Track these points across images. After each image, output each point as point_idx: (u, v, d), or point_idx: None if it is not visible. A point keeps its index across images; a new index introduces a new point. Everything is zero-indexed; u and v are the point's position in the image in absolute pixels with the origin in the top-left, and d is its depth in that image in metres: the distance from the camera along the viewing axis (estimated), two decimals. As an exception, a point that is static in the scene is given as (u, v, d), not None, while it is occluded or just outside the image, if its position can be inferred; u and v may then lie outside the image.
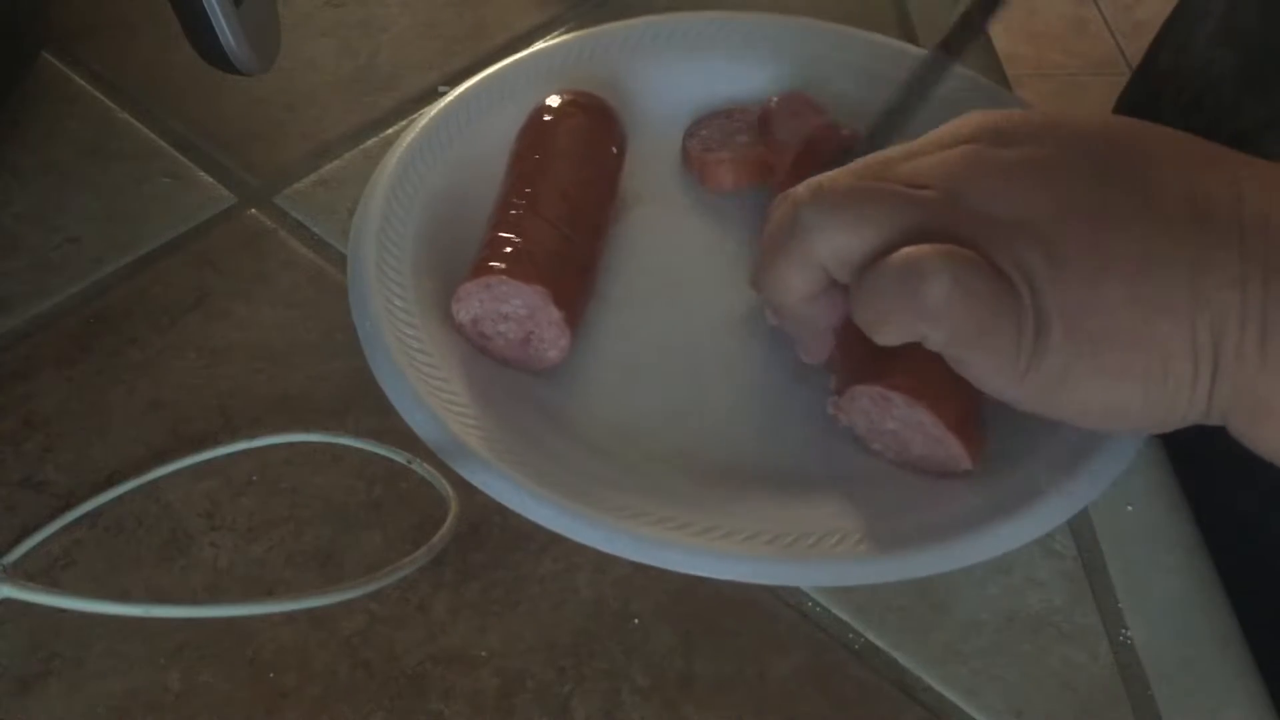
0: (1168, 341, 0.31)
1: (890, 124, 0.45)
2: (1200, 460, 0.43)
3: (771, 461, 0.41)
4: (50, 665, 0.36)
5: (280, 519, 0.40)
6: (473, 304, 0.41)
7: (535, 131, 0.46)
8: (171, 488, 0.41)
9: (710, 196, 0.50)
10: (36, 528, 0.39)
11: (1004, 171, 0.33)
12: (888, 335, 0.34)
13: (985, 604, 0.39)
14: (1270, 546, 0.48)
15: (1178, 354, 0.31)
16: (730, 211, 0.49)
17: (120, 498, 0.40)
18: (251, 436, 0.41)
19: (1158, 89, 0.56)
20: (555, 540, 0.38)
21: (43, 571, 0.38)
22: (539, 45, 0.53)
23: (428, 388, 0.39)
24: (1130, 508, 0.42)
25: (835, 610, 0.39)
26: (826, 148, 0.46)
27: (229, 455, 0.41)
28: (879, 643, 0.38)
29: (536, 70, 0.51)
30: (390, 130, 0.54)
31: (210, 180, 0.51)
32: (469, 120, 0.49)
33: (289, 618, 0.37)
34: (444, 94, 0.50)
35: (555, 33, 0.60)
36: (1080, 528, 0.41)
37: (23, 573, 0.38)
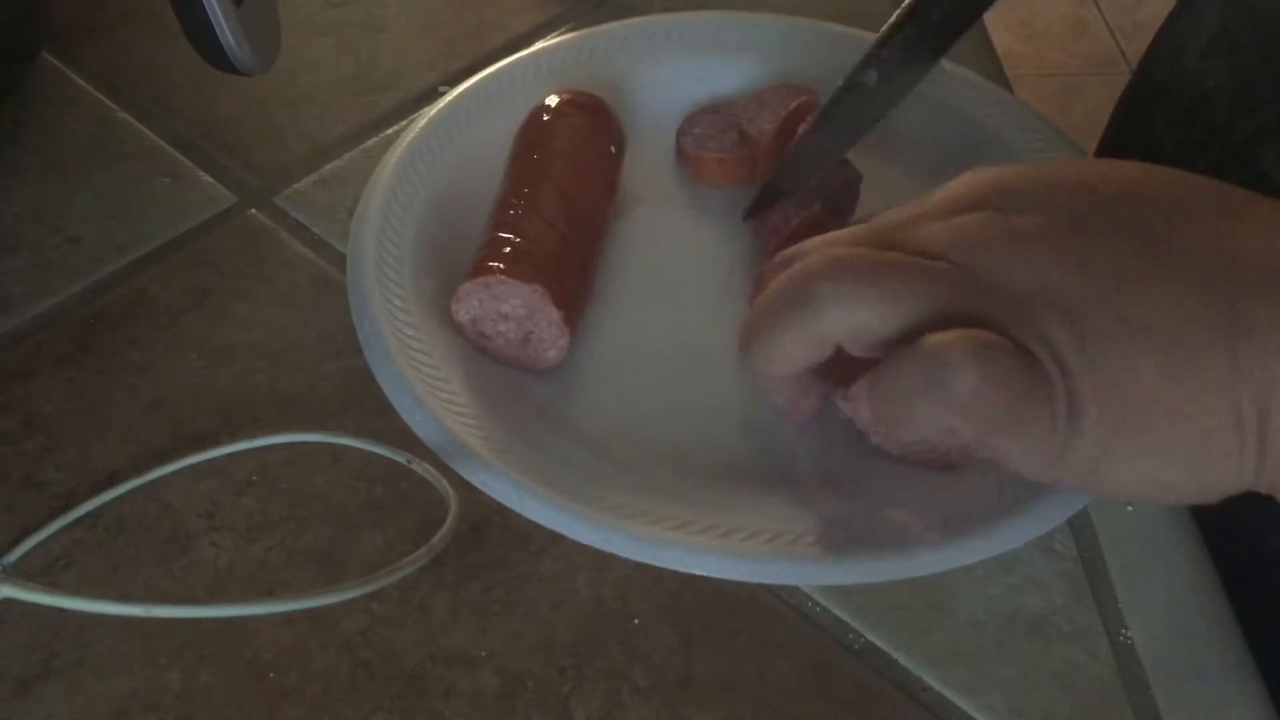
0: (1209, 415, 0.29)
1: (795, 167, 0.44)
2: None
3: (771, 461, 0.41)
4: (50, 665, 0.36)
5: (280, 519, 0.40)
6: (472, 304, 0.41)
7: (534, 131, 0.46)
8: (171, 488, 0.41)
9: (709, 196, 0.50)
10: (36, 528, 0.39)
11: (1020, 239, 0.31)
12: (913, 430, 0.31)
13: (985, 604, 0.39)
14: (1270, 546, 0.48)
15: (1221, 428, 0.29)
16: (730, 210, 0.49)
17: (120, 498, 0.40)
18: (251, 436, 0.41)
19: (1152, 101, 0.56)
20: (555, 540, 0.38)
21: (43, 571, 0.38)
22: (539, 45, 0.53)
23: (428, 388, 0.39)
24: (1130, 508, 0.42)
25: (835, 610, 0.39)
26: (808, 118, 0.47)
27: (229, 455, 0.41)
28: (879, 643, 0.38)
29: (536, 70, 0.51)
30: (390, 130, 0.54)
31: (210, 180, 0.51)
32: (469, 120, 0.49)
33: (289, 618, 0.37)
34: (444, 94, 0.50)
35: (555, 33, 0.60)
36: (1080, 528, 0.41)
37: (23, 573, 0.38)
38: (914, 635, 0.38)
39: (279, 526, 0.40)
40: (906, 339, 0.31)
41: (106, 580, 0.38)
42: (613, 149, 0.47)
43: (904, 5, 0.39)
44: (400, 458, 0.41)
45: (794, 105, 0.48)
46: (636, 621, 0.38)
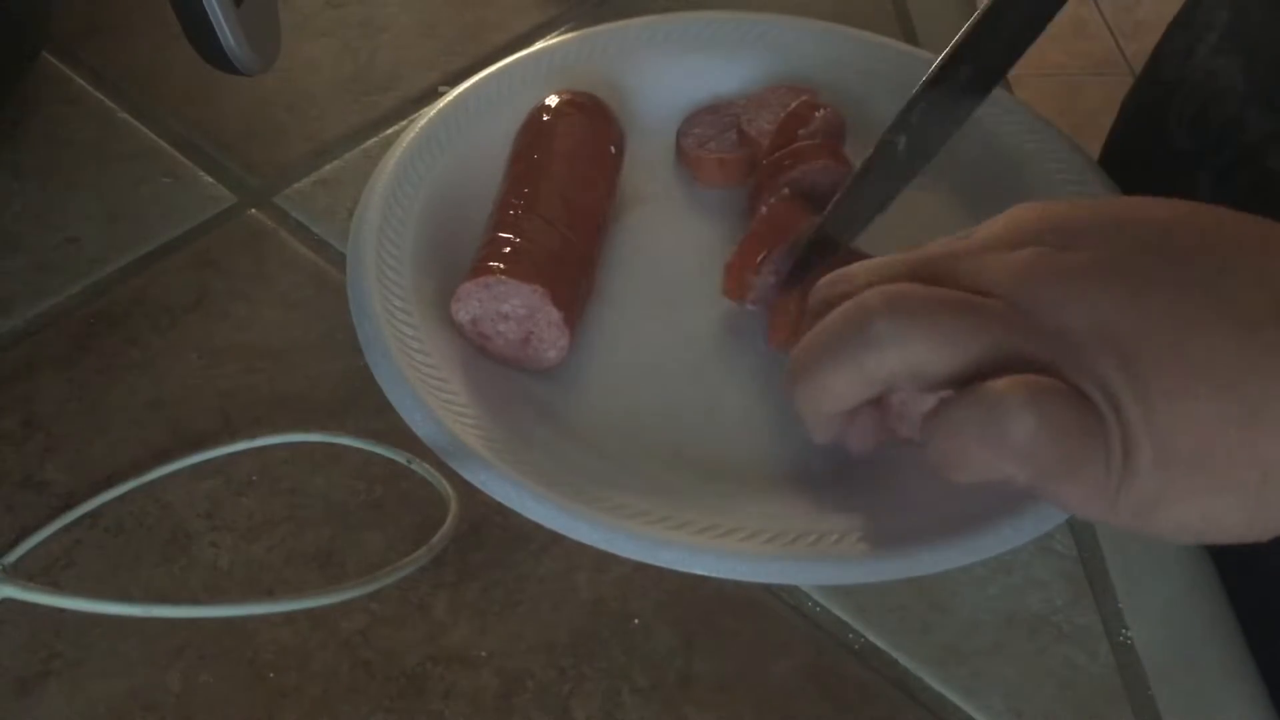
0: (1266, 458, 0.29)
1: (844, 216, 0.43)
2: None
3: (771, 460, 0.41)
4: (50, 665, 0.36)
5: (280, 519, 0.40)
6: (472, 304, 0.41)
7: (534, 132, 0.46)
8: (171, 488, 0.41)
9: (709, 196, 0.50)
10: (36, 528, 0.39)
11: (1074, 277, 0.31)
12: (967, 474, 0.31)
13: (985, 604, 0.39)
14: (1270, 546, 0.47)
15: (1277, 469, 0.29)
16: (730, 210, 0.49)
17: (120, 498, 0.40)
18: (251, 436, 0.41)
19: (1162, 100, 0.55)
20: (555, 540, 0.38)
21: (43, 571, 0.38)
22: (539, 45, 0.53)
23: (428, 388, 0.39)
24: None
25: (835, 610, 0.39)
26: (808, 118, 0.47)
27: (229, 455, 0.41)
28: (879, 643, 0.38)
29: (536, 70, 0.51)
30: (390, 130, 0.54)
31: (210, 180, 0.51)
32: (469, 120, 0.49)
33: (289, 618, 0.37)
34: (444, 94, 0.50)
35: (555, 33, 0.60)
36: (1080, 528, 0.41)
37: (23, 573, 0.38)
38: (914, 635, 0.38)
39: (279, 526, 0.40)
40: (961, 378, 0.31)
41: (106, 580, 0.38)
42: (613, 149, 0.47)
43: (933, 67, 0.39)
44: (400, 458, 0.41)
45: (794, 105, 0.48)
46: (636, 621, 0.38)
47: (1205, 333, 0.29)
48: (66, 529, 0.39)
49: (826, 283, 0.35)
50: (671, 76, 0.53)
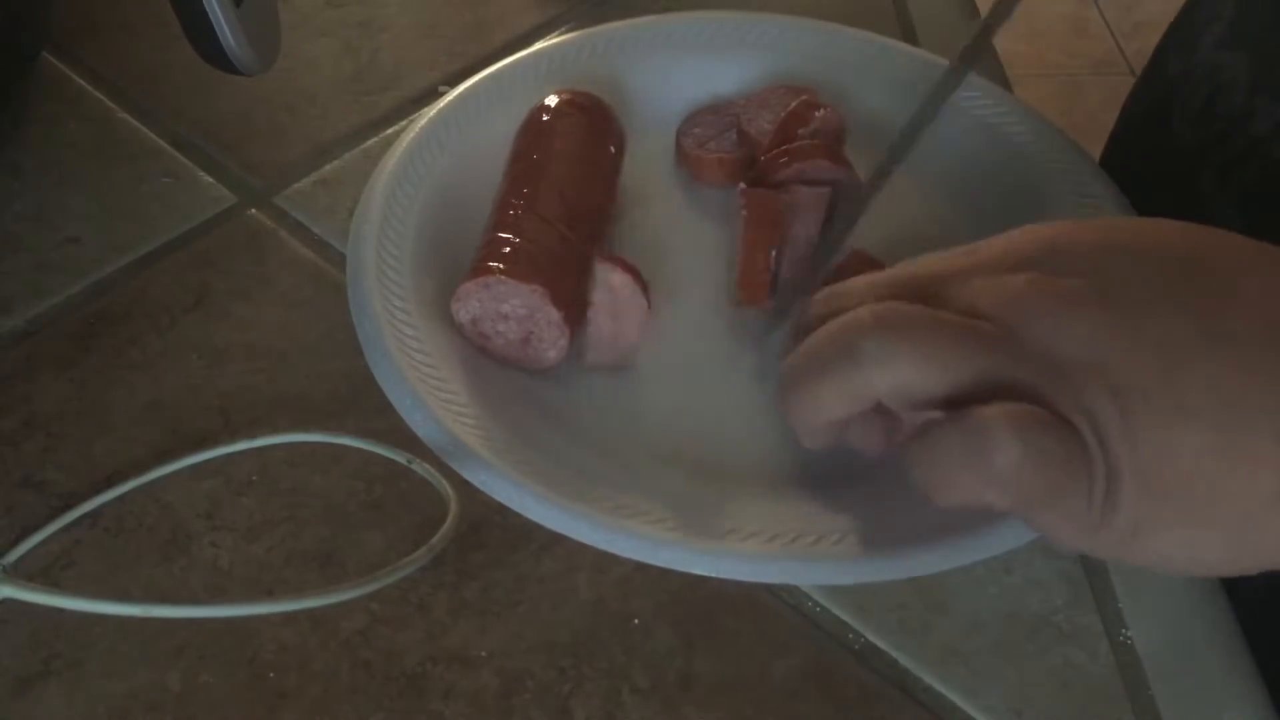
0: (1250, 496, 0.29)
1: (910, 140, 0.43)
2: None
3: (771, 461, 0.41)
4: (50, 665, 0.36)
5: (280, 519, 0.40)
6: (472, 304, 0.41)
7: (534, 131, 0.46)
8: (171, 488, 0.41)
9: (709, 196, 0.50)
10: (36, 528, 0.39)
11: (1067, 305, 0.30)
12: (950, 498, 0.31)
13: (985, 604, 0.39)
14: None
15: (1263, 507, 0.29)
16: (730, 210, 0.49)
17: (120, 498, 0.40)
18: (251, 436, 0.41)
19: (1167, 94, 0.55)
20: (555, 540, 0.38)
21: (43, 571, 0.38)
22: (539, 45, 0.53)
23: (428, 388, 0.39)
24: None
25: (835, 610, 0.39)
26: (808, 118, 0.47)
27: (229, 455, 0.41)
28: (879, 643, 0.38)
29: (536, 70, 0.51)
30: (390, 130, 0.54)
31: (210, 180, 0.51)
32: (469, 120, 0.49)
33: (289, 618, 0.37)
34: (444, 94, 0.50)
35: (555, 33, 0.60)
36: (1080, 527, 0.41)
37: (23, 573, 0.38)
38: (914, 635, 0.38)
39: (279, 526, 0.40)
40: (948, 400, 0.31)
41: (106, 580, 0.38)
42: (613, 149, 0.47)
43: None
44: (400, 458, 0.41)
45: (794, 105, 0.48)
46: (636, 621, 0.38)
47: (1198, 369, 0.29)
48: (66, 529, 0.39)
49: (822, 298, 0.35)
50: (671, 76, 0.53)
